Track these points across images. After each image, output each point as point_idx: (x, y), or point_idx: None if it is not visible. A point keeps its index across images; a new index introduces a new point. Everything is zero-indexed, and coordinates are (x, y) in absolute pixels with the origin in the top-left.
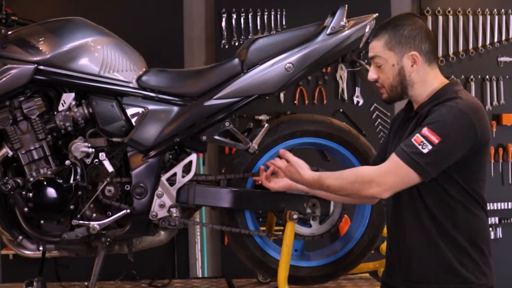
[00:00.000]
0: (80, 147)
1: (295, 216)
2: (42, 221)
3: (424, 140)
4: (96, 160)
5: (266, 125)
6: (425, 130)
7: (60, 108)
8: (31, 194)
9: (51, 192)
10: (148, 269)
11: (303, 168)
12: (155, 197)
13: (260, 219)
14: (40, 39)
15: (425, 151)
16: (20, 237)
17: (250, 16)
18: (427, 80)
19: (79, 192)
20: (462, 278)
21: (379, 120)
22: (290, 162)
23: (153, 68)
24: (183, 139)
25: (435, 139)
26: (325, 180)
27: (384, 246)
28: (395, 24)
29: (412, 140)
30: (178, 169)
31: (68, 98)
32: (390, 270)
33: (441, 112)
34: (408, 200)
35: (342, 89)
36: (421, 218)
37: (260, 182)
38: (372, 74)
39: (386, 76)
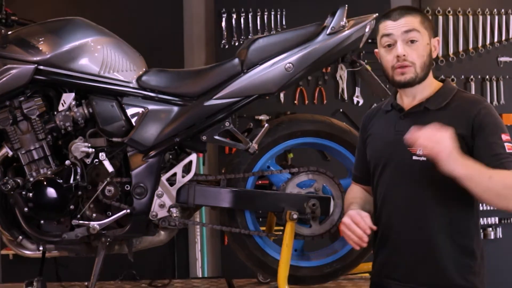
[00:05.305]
0: (80, 147)
1: (295, 216)
2: (42, 221)
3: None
4: (96, 160)
5: (266, 125)
6: (503, 136)
7: (60, 108)
8: (31, 194)
9: (51, 192)
10: (148, 269)
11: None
12: (155, 197)
13: (260, 219)
14: (40, 39)
15: None
16: (20, 237)
17: (250, 16)
18: (430, 73)
19: (79, 192)
20: (469, 282)
21: None
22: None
23: (153, 68)
24: (183, 139)
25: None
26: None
27: None
28: (420, 10)
29: (507, 150)
30: (178, 169)
31: (68, 98)
32: (385, 269)
33: (488, 113)
34: (430, 202)
35: (342, 89)
36: (441, 220)
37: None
38: (402, 50)
39: (421, 54)
